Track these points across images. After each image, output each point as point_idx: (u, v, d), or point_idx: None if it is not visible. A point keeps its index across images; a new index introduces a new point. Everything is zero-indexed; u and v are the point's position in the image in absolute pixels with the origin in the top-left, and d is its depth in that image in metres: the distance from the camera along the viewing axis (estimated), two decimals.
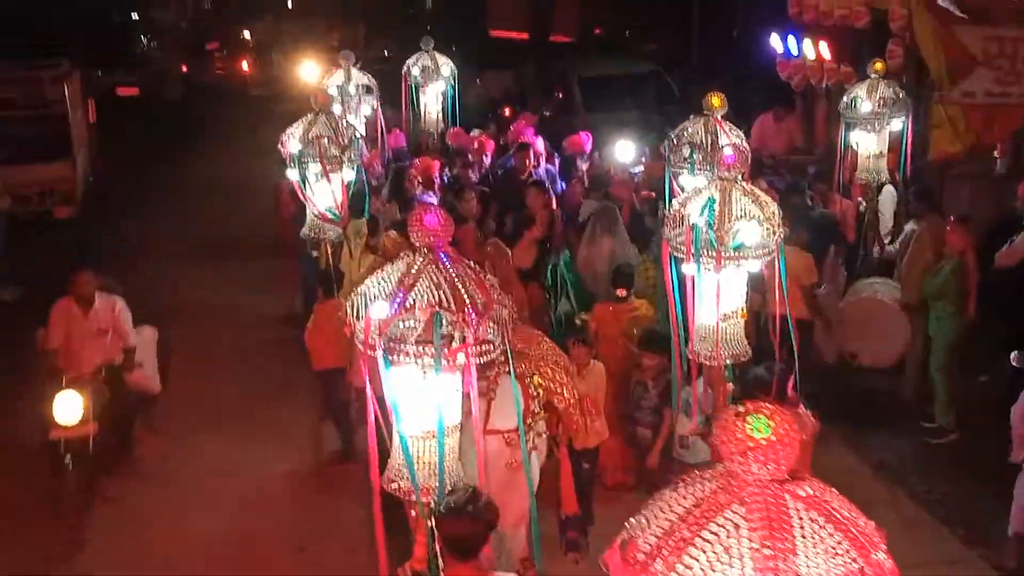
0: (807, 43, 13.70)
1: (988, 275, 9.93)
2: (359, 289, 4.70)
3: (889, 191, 11.21)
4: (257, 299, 13.55)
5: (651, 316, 8.76)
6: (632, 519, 2.92)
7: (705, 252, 5.62)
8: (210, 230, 17.17)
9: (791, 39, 14.12)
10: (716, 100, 7.96)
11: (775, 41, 14.48)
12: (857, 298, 10.48)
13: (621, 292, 8.94)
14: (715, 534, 2.69)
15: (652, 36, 26.87)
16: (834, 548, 2.69)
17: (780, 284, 5.99)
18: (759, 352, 6.89)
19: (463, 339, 4.50)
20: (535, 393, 6.96)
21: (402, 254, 4.75)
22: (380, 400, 4.66)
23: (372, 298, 4.59)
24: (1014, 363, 8.89)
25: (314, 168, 8.94)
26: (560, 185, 13.11)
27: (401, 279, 4.58)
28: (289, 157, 8.97)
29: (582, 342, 8.14)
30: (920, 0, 11.62)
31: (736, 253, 5.62)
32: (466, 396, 4.82)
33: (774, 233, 5.68)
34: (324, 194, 9.04)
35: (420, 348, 4.50)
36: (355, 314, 4.63)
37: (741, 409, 2.83)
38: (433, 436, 4.76)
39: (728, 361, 6.17)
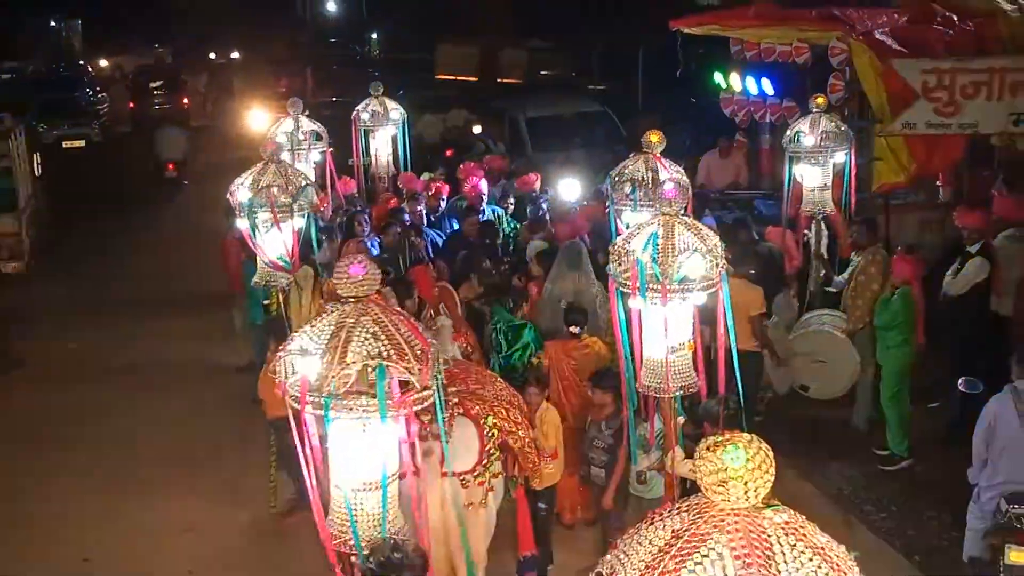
0: (750, 80, 13.89)
1: (935, 303, 10.08)
2: (289, 345, 4.69)
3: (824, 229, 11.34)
4: (209, 351, 13.46)
5: (604, 353, 8.79)
6: (609, 555, 2.94)
7: (650, 286, 5.68)
8: (160, 282, 17.04)
9: (734, 76, 14.31)
10: (655, 137, 8.06)
11: (719, 78, 14.67)
12: (806, 330, 10.59)
13: (574, 330, 8.98)
14: (700, 564, 2.73)
15: (599, 76, 27.22)
16: (815, 572, 2.76)
17: (725, 316, 6.04)
18: (711, 385, 6.94)
19: (406, 386, 4.52)
20: (490, 434, 6.98)
21: (330, 306, 4.76)
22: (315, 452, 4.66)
23: (304, 353, 4.58)
24: (962, 388, 9.02)
25: (263, 217, 8.91)
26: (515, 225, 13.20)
27: (335, 333, 4.58)
28: (238, 206, 8.94)
29: (536, 383, 8.17)
30: (859, 35, 11.85)
31: (681, 286, 5.68)
32: (413, 443, 4.82)
33: (717, 265, 5.75)
34: (275, 242, 9.02)
35: (361, 400, 4.50)
36: (286, 371, 4.62)
37: (719, 439, 2.88)
38: (375, 487, 4.74)
39: (678, 393, 6.21)
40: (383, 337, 4.53)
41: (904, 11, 13.21)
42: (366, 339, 4.51)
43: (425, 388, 4.60)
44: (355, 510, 4.76)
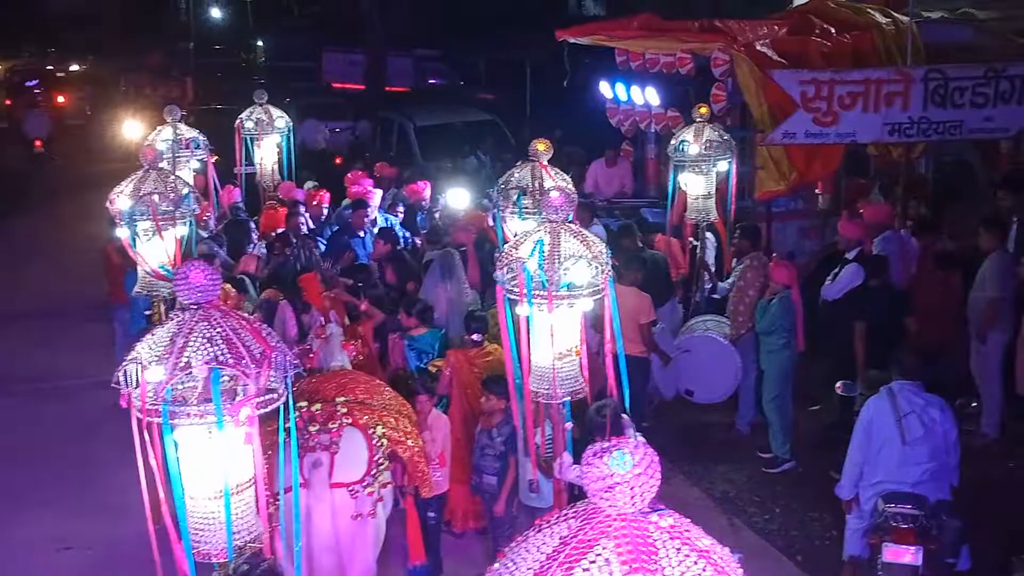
0: (635, 90, 14.06)
1: (814, 308, 10.33)
2: (129, 355, 4.63)
3: (709, 236, 11.56)
4: (89, 362, 13.09)
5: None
6: (497, 563, 2.94)
7: (537, 293, 5.71)
8: (39, 291, 16.56)
9: (620, 86, 14.47)
10: (541, 146, 8.13)
11: (604, 88, 14.83)
12: (690, 336, 10.76)
13: (475, 337, 9.00)
14: (587, 570, 2.75)
15: (486, 85, 27.30)
16: (700, 575, 2.80)
17: (612, 322, 6.11)
18: (601, 390, 7.01)
19: (245, 392, 4.47)
20: (379, 443, 6.95)
21: (172, 314, 4.71)
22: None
23: (146, 362, 4.52)
24: (840, 392, 9.28)
25: (144, 225, 8.75)
26: (404, 233, 13.17)
27: (173, 339, 4.52)
28: (118, 215, 8.75)
29: (425, 390, 8.15)
30: (740, 47, 12.09)
31: (567, 293, 5.72)
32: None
33: (603, 272, 5.81)
34: (156, 251, 8.85)
35: (202, 407, 4.45)
36: (128, 381, 4.55)
37: (604, 445, 2.90)
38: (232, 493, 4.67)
39: (567, 399, 6.26)
40: (220, 341, 4.48)
41: (784, 23, 13.52)
42: (202, 344, 4.46)
43: (269, 392, 4.56)
44: (209, 518, 4.69)
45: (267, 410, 4.57)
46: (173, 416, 4.45)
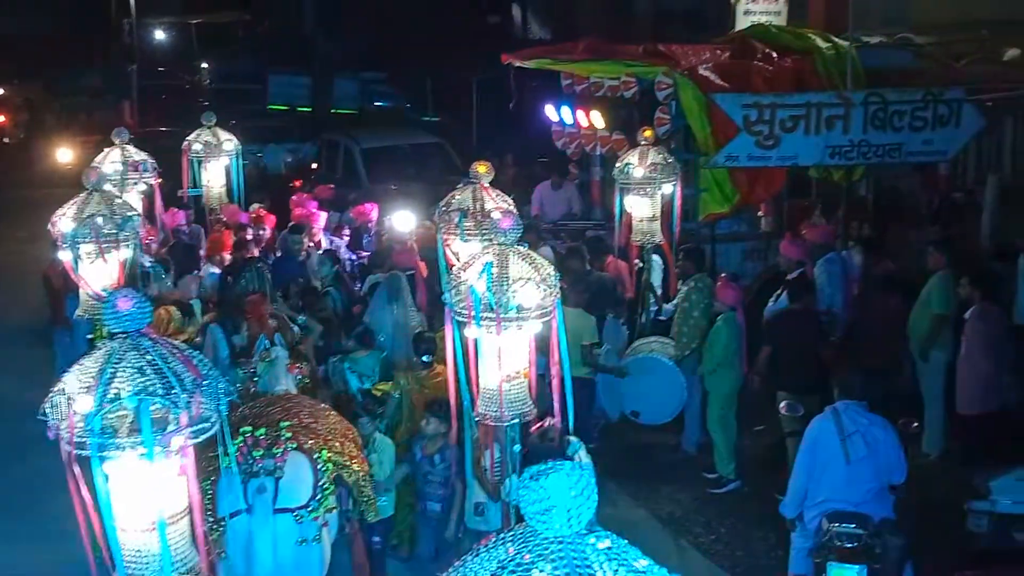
0: (580, 113, 14.14)
1: (758, 329, 10.41)
2: (57, 386, 4.54)
3: (655, 258, 11.65)
4: (29, 388, 12.87)
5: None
6: None
7: (485, 315, 5.71)
8: None
9: (565, 109, 14.54)
10: (482, 168, 8.14)
11: (550, 111, 14.90)
12: (635, 357, 10.81)
13: (424, 359, 8.98)
14: None
15: (433, 108, 27.34)
16: None
17: (560, 344, 6.12)
18: (546, 412, 7.01)
19: (177, 421, 4.39)
20: (324, 468, 6.90)
21: (99, 343, 4.63)
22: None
23: (74, 393, 4.43)
24: (783, 411, 9.36)
25: (88, 248, 8.65)
26: (350, 255, 13.12)
27: (102, 369, 4.45)
28: (61, 237, 8.65)
29: (368, 413, 8.11)
30: (684, 71, 12.20)
31: (515, 315, 5.73)
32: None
33: (551, 294, 5.83)
34: (99, 274, 8.75)
35: (132, 438, 4.37)
36: (56, 413, 4.46)
37: (541, 467, 2.89)
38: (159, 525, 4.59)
39: (514, 421, 6.26)
40: (150, 372, 4.40)
41: (726, 48, 13.68)
42: (132, 375, 4.39)
43: (203, 421, 4.47)
44: (143, 551, 4.60)
45: (200, 439, 4.48)
46: (102, 448, 4.34)
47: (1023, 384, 10.16)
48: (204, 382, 4.47)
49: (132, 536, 4.56)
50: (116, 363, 4.39)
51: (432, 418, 7.99)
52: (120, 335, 4.48)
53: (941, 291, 10.10)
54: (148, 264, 10.88)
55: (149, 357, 4.41)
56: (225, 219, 13.32)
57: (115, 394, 4.32)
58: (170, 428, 4.36)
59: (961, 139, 12.60)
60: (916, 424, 9.23)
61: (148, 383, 4.32)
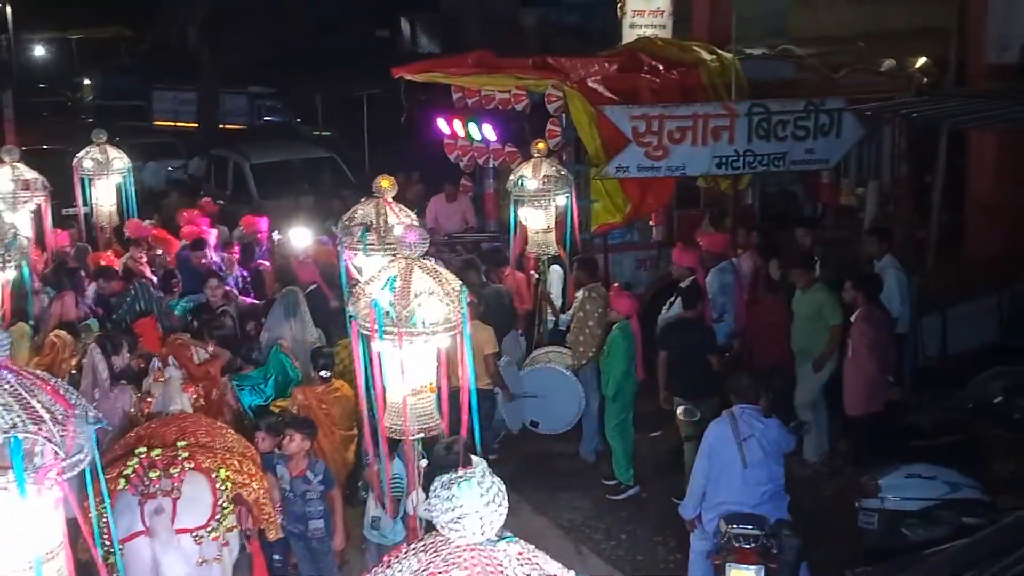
0: (472, 126, 14.18)
1: (652, 337, 10.56)
2: None
3: (555, 268, 11.76)
4: None
5: (353, 396, 8.71)
6: None
7: (388, 329, 5.72)
8: None
9: (457, 122, 14.56)
10: (386, 182, 8.14)
11: (442, 124, 14.91)
12: (533, 368, 10.89)
13: (323, 374, 8.92)
14: None
15: (323, 122, 27.15)
16: None
17: (466, 357, 6.13)
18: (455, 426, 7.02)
19: (52, 454, 4.20)
20: (223, 487, 6.82)
21: None
22: None
23: None
24: (681, 416, 9.52)
25: None
26: (238, 271, 12.96)
27: None
28: None
29: (268, 430, 8.02)
30: (573, 84, 12.33)
31: (420, 329, 5.74)
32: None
33: (456, 308, 5.86)
34: None
35: (2, 475, 4.07)
36: None
37: (451, 477, 2.92)
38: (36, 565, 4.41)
39: (420, 435, 6.26)
40: (16, 407, 4.21)
41: (614, 61, 13.87)
42: None
43: (78, 452, 4.29)
44: None
45: (74, 472, 4.28)
46: None
47: (904, 383, 10.48)
48: (75, 412, 4.26)
49: None
50: None
51: (295, 434, 7.76)
52: None
53: (832, 303, 10.17)
54: (37, 287, 10.63)
55: (15, 391, 4.19)
56: (129, 235, 13.09)
57: None
58: (36, 460, 4.14)
59: (842, 147, 12.99)
60: (807, 425, 9.50)
61: (16, 419, 4.10)
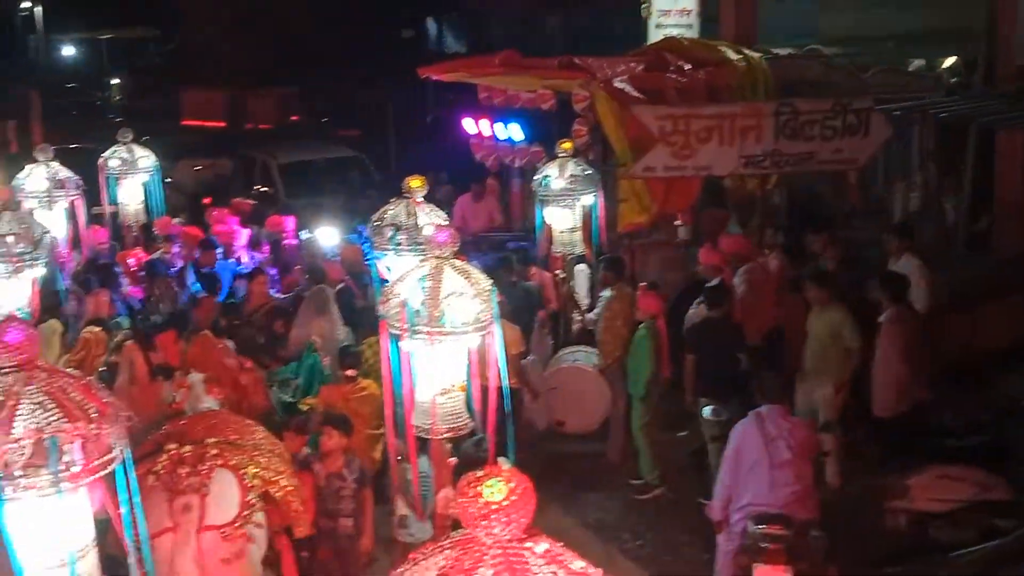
0: (499, 125, 14.20)
1: (679, 336, 10.54)
2: None
3: (581, 267, 11.75)
4: None
5: (380, 395, 8.72)
6: None
7: (418, 328, 5.74)
8: None
9: (483, 122, 14.59)
10: (415, 182, 8.15)
11: (468, 124, 14.94)
12: (559, 367, 10.89)
13: (349, 373, 8.93)
14: None
15: (350, 122, 27.24)
16: None
17: (497, 357, 6.14)
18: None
19: (85, 454, 4.20)
20: (251, 484, 6.84)
21: None
22: None
23: None
24: (707, 416, 9.50)
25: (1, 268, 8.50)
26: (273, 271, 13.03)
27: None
28: None
29: (296, 430, 8.05)
30: (599, 83, 12.32)
31: (449, 328, 5.76)
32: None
33: (487, 308, 5.87)
34: (13, 293, 8.60)
35: (35, 477, 4.11)
36: None
37: (478, 475, 2.93)
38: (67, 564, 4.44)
39: (448, 435, 6.27)
40: (52, 405, 4.19)
41: (640, 60, 13.85)
42: (33, 410, 4.14)
43: (109, 451, 4.30)
44: None
45: (107, 471, 4.29)
46: (5, 488, 4.07)
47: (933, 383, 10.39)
48: (107, 410, 4.29)
49: (40, 575, 4.37)
50: (15, 400, 4.12)
51: (333, 431, 7.81)
52: (11, 368, 4.21)
53: (850, 324, 9.84)
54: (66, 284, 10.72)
55: (49, 390, 4.17)
56: (157, 232, 13.17)
57: (26, 431, 4.09)
58: (66, 457, 4.16)
59: (870, 147, 12.91)
60: (834, 424, 9.46)
61: (52, 418, 4.13)
